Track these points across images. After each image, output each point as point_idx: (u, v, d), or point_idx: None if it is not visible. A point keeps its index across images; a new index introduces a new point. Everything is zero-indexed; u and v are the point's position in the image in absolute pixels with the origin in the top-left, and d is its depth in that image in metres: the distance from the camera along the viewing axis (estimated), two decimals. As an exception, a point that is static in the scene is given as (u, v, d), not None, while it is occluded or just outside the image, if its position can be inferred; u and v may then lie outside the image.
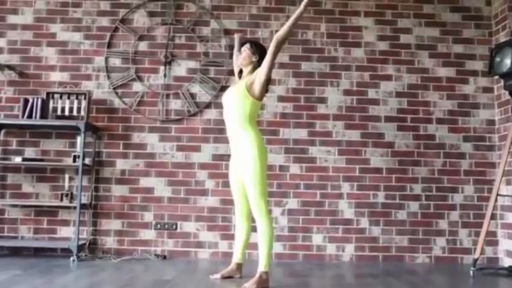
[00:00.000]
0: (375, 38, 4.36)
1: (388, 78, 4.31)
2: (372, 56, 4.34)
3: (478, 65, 4.33)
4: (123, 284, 2.88)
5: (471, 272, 3.47)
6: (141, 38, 4.32)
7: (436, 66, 4.34)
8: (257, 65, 3.08)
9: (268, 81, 3.04)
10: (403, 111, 4.28)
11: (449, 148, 4.25)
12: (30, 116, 3.97)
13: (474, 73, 4.33)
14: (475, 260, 3.49)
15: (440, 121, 4.27)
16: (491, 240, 4.10)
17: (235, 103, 3.02)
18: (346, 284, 3.08)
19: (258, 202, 2.91)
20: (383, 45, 4.36)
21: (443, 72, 4.33)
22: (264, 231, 2.90)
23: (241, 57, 3.14)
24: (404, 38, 4.36)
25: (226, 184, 4.11)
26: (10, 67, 4.16)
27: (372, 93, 4.30)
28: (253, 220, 3.09)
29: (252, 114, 3.01)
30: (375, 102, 4.29)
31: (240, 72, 3.26)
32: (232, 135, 3.08)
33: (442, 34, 4.37)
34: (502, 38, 4.19)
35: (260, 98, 3.04)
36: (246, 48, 3.14)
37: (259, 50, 3.12)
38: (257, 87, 2.99)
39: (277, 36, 2.92)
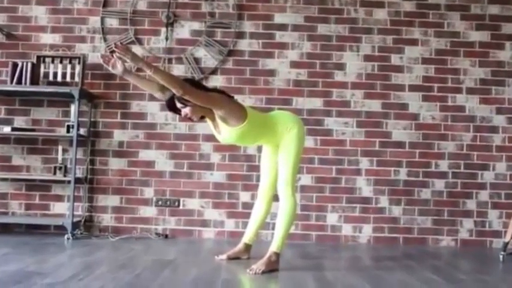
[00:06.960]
0: (400, -3, 4.18)
1: (413, 42, 4.12)
2: (396, 17, 4.13)
3: (516, 29, 4.16)
4: (121, 264, 2.85)
5: (501, 256, 3.36)
6: (140, -4, 4.12)
7: (468, 29, 4.13)
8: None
9: (223, 92, 2.83)
10: (429, 79, 4.10)
11: (480, 121, 4.08)
12: (19, 82, 3.80)
13: (511, 37, 4.11)
14: (506, 244, 3.36)
15: (470, 91, 4.10)
16: (524, 222, 3.92)
17: (242, 143, 3.09)
18: (363, 267, 3.03)
19: (289, 182, 2.89)
20: (409, 6, 4.13)
21: (476, 36, 4.12)
22: (286, 211, 2.88)
23: (191, 116, 2.77)
24: (432, -2, 4.17)
25: (233, 158, 4.02)
26: (-3, 28, 3.96)
27: (395, 60, 4.12)
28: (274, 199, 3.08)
29: (258, 120, 2.86)
30: (399, 69, 4.11)
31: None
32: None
33: (475, -7, 4.18)
34: (544, -3, 3.86)
35: (244, 115, 2.75)
36: (181, 103, 2.73)
37: (187, 91, 2.65)
38: (232, 117, 2.75)
39: (180, 95, 2.59)
